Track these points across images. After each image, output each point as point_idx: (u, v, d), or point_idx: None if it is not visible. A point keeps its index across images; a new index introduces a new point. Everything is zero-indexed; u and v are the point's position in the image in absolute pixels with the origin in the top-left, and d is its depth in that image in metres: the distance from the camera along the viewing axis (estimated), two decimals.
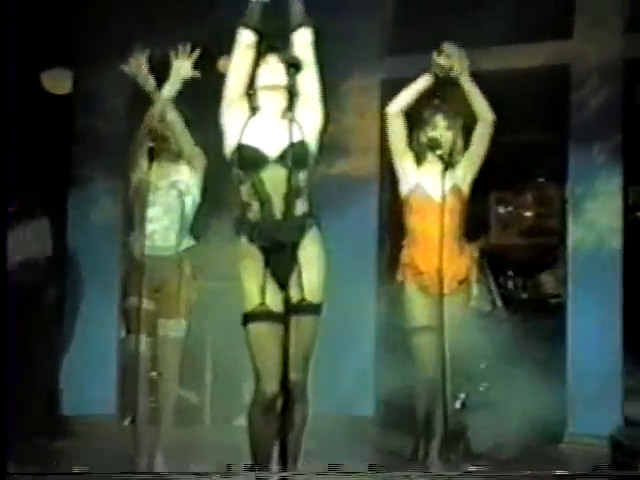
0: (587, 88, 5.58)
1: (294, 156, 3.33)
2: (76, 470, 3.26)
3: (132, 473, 3.95)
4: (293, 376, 3.29)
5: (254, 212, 3.43)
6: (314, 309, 3.41)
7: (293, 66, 3.32)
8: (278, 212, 3.37)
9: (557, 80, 5.66)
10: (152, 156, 4.22)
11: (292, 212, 3.38)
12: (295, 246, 3.39)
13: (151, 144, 4.20)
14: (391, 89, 6.08)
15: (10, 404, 3.56)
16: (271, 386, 3.35)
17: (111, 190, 5.99)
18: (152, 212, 4.25)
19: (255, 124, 3.48)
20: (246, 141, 3.44)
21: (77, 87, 6.05)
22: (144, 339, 4.18)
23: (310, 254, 3.42)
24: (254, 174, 3.40)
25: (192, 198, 4.38)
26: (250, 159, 3.42)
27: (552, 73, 5.68)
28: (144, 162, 4.26)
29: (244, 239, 3.44)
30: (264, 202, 3.39)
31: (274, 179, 3.36)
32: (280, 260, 3.37)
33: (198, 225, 4.43)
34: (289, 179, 3.32)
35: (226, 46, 5.58)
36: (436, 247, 4.15)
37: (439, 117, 4.39)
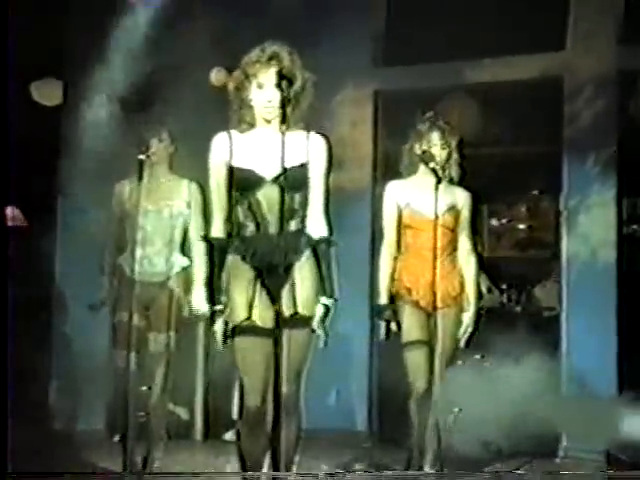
0: (581, 100, 5.57)
1: (291, 179, 3.31)
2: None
3: (129, 473, 3.94)
4: (285, 389, 3.27)
5: (249, 232, 3.39)
6: (307, 322, 3.38)
7: (285, 79, 3.28)
8: (274, 233, 3.34)
9: (550, 92, 5.65)
10: (142, 172, 4.03)
11: (288, 233, 3.36)
12: (291, 265, 3.37)
13: (141, 156, 4.02)
14: (384, 100, 6.10)
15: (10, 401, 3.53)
16: (255, 399, 3.35)
17: (101, 202, 5.94)
18: (142, 236, 4.16)
19: (247, 142, 3.42)
20: (238, 163, 3.39)
21: (67, 98, 6.00)
22: (133, 354, 4.12)
23: (305, 270, 3.38)
24: (250, 195, 3.37)
25: (184, 219, 4.30)
26: (246, 181, 3.38)
27: (545, 85, 5.67)
28: (130, 185, 4.19)
29: (237, 257, 3.40)
30: (260, 223, 3.37)
31: (271, 200, 3.33)
32: (273, 276, 3.34)
33: (189, 244, 4.36)
34: (285, 200, 3.30)
35: (217, 58, 5.62)
36: (428, 262, 4.17)
37: (435, 135, 4.35)
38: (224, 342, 3.38)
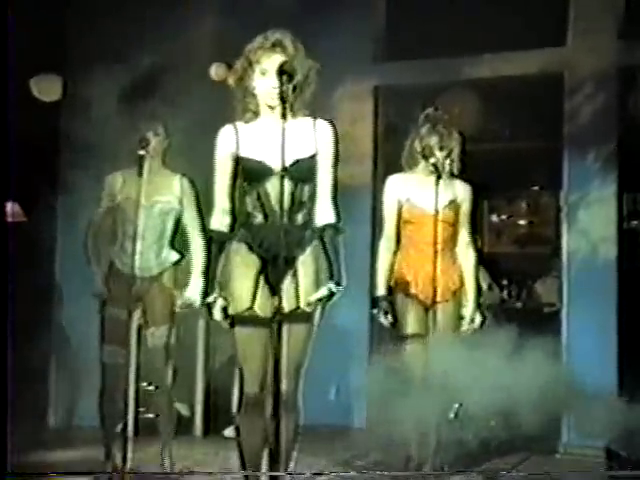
0: (581, 95, 5.56)
1: (300, 170, 3.31)
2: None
3: (129, 472, 3.94)
4: (284, 384, 3.27)
5: (257, 223, 3.39)
6: (308, 317, 3.38)
7: (285, 74, 3.27)
8: (281, 224, 3.30)
9: (551, 88, 5.64)
10: (142, 167, 3.96)
11: (294, 225, 3.36)
12: (295, 259, 3.36)
13: (141, 152, 3.97)
14: (384, 95, 6.09)
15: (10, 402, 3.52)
16: (253, 388, 3.38)
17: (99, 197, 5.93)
18: (134, 230, 4.11)
19: (253, 133, 3.41)
20: (245, 154, 3.38)
21: (67, 93, 5.99)
22: (125, 349, 4.08)
23: (308, 264, 3.38)
24: (259, 186, 3.36)
25: (175, 215, 4.28)
26: (254, 172, 3.37)
27: (546, 81, 5.67)
28: (122, 177, 4.18)
29: (243, 246, 3.39)
30: (268, 214, 3.36)
31: (279, 191, 3.29)
32: (277, 267, 3.30)
33: (182, 238, 4.34)
34: (294, 192, 3.31)
35: (216, 52, 5.61)
36: (427, 256, 4.17)
37: (434, 139, 4.33)
38: (231, 326, 3.37)
